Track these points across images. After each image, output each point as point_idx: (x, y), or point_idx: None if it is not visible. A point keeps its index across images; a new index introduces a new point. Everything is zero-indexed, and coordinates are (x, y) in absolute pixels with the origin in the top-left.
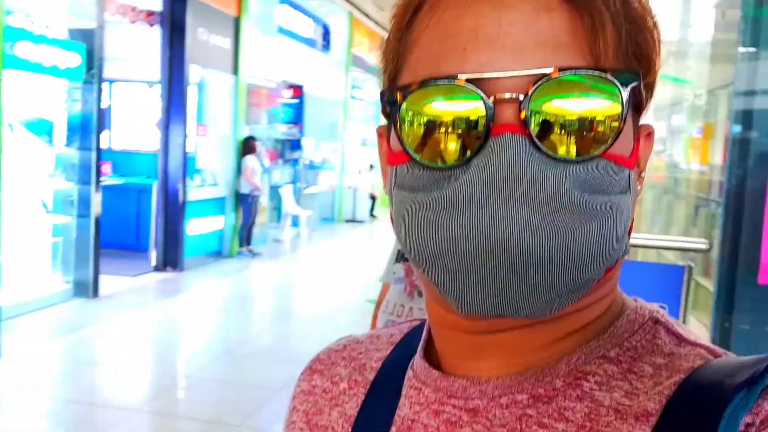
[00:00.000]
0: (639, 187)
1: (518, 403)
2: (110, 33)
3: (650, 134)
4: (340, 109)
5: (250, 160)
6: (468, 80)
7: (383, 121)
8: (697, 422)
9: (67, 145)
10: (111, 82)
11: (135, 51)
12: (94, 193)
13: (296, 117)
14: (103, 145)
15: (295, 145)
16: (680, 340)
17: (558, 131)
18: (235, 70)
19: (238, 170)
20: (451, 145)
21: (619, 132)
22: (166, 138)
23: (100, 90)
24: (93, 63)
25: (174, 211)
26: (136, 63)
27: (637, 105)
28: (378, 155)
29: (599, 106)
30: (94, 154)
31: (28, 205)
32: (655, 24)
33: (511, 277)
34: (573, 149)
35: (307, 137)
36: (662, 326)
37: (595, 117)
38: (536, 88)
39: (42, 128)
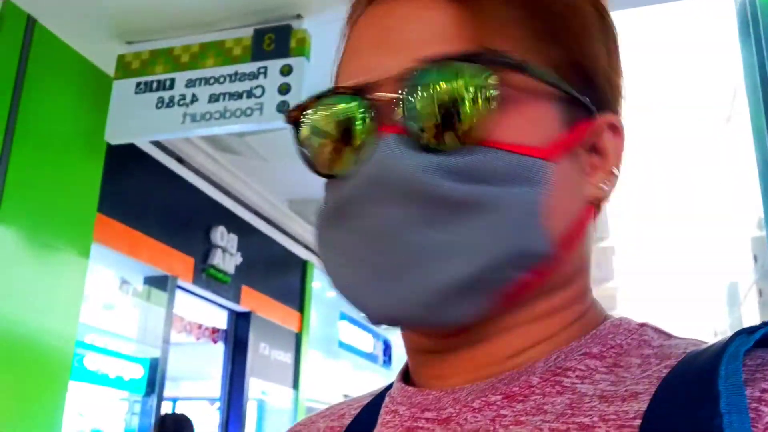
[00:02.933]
0: (605, 186)
1: (491, 405)
2: (175, 352)
3: (613, 126)
4: None
5: None
6: (351, 87)
7: None
8: (695, 381)
9: None
10: (174, 401)
11: (198, 369)
12: None
13: None
14: None
15: None
16: (670, 336)
17: (433, 125)
18: (296, 384)
19: None
20: (344, 154)
21: (484, 117)
22: None
23: (160, 403)
24: (156, 376)
25: None
26: (199, 381)
27: (563, 92)
28: None
29: (470, 94)
30: None
31: None
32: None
33: (393, 281)
34: (448, 141)
35: None
36: (650, 327)
37: (466, 105)
38: (407, 85)
39: None
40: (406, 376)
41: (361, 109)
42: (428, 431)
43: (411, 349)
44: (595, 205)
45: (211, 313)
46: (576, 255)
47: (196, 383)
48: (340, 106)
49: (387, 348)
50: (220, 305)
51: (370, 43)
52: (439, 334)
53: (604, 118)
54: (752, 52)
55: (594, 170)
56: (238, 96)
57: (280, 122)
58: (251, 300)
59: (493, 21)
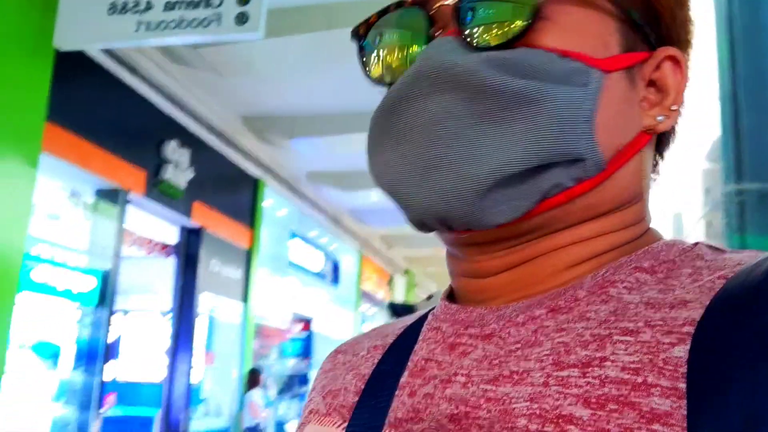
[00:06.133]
0: (662, 119)
1: (535, 319)
2: (126, 265)
3: (673, 58)
4: None
5: (254, 395)
6: (413, 2)
7: None
8: (755, 290)
9: (73, 370)
10: (124, 312)
11: (148, 283)
12: (92, 422)
13: (305, 351)
14: (110, 376)
15: (303, 380)
16: (724, 251)
17: (486, 27)
18: (245, 300)
19: (242, 403)
20: (404, 63)
21: (536, 22)
22: (173, 367)
23: (111, 315)
24: (107, 288)
25: None
26: (149, 295)
27: (627, 16)
28: None
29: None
30: (97, 381)
31: (26, 430)
32: None
33: (438, 173)
34: (501, 41)
35: (316, 372)
36: (704, 244)
37: (512, 7)
38: None
39: (48, 351)
40: (450, 296)
41: (422, 20)
42: (471, 347)
43: (457, 274)
44: (650, 135)
45: (162, 227)
46: (627, 179)
47: (146, 296)
48: (403, 19)
49: (335, 267)
50: (172, 220)
51: None
52: (482, 251)
53: (664, 50)
54: None
55: (651, 106)
56: (195, 5)
57: (237, 34)
58: (202, 216)
59: None
